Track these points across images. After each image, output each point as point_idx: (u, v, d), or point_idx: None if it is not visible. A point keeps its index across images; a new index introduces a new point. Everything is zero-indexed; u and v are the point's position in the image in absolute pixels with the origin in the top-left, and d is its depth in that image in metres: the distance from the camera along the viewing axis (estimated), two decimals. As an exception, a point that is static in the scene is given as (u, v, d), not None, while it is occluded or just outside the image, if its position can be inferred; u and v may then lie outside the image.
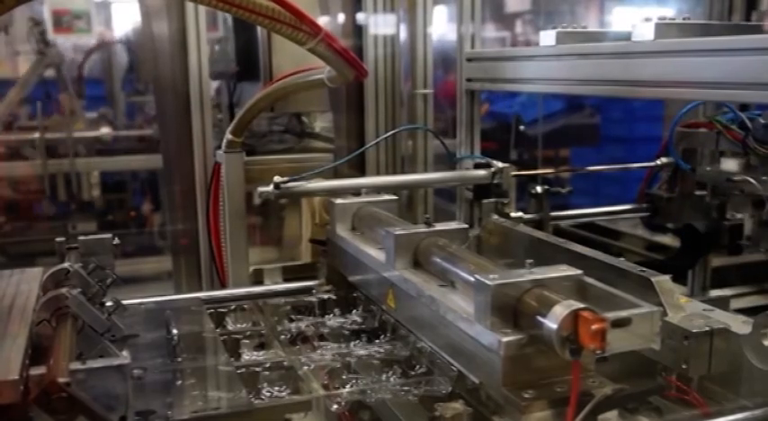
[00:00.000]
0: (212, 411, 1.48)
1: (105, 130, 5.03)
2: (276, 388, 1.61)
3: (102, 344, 1.53)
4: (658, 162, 2.75)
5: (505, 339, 1.29)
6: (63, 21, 5.11)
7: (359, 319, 1.97)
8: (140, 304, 2.02)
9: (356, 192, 2.28)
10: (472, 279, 1.42)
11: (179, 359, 1.70)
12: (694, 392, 1.50)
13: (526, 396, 1.29)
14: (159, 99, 3.34)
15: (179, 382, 1.62)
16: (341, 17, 3.53)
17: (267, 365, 1.71)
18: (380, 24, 3.41)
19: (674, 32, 1.91)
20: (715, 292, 3.04)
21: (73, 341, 1.42)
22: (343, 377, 1.65)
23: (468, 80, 2.78)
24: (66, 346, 1.36)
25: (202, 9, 3.08)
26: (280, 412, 1.54)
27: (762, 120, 2.34)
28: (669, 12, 2.11)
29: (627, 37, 2.05)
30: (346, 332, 1.92)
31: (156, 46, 3.21)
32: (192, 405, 1.50)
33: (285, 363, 1.72)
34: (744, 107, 2.52)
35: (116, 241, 1.90)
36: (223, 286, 2.85)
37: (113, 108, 5.59)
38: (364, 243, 2.00)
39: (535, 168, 3.31)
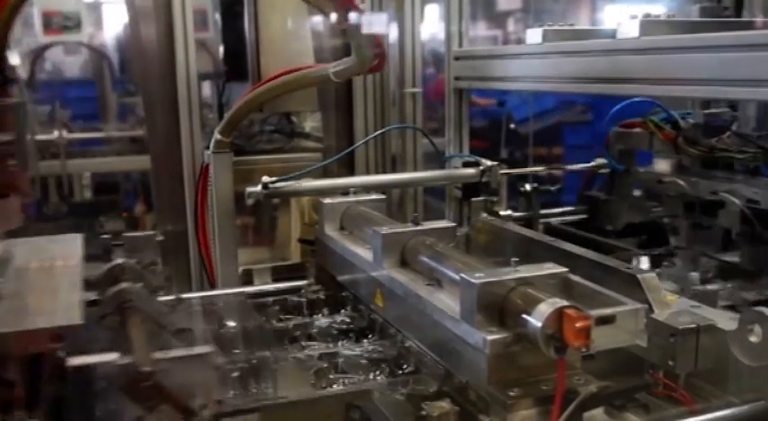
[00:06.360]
0: (280, 399, 1.51)
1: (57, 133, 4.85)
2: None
3: (164, 336, 1.56)
4: (593, 163, 2.75)
5: (491, 337, 1.29)
6: (53, 22, 5.10)
7: (347, 319, 1.97)
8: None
9: (345, 191, 2.27)
10: (458, 277, 1.41)
11: (237, 351, 1.72)
12: (681, 389, 1.50)
13: (512, 394, 1.29)
14: (147, 100, 3.33)
15: (236, 374, 1.64)
16: (330, 16, 3.53)
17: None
18: (370, 23, 3.40)
19: (660, 30, 1.92)
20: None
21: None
22: (331, 376, 1.65)
23: (457, 78, 2.78)
24: (142, 337, 1.40)
25: (190, 9, 3.07)
26: (342, 400, 1.57)
27: (692, 120, 2.33)
28: (659, 10, 2.11)
29: (612, 35, 2.05)
30: (334, 332, 1.92)
31: (145, 46, 3.20)
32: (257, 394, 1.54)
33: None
34: (705, 105, 2.50)
35: (160, 238, 1.92)
36: (212, 287, 2.84)
37: (104, 109, 5.58)
38: (352, 242, 2.00)
39: (526, 166, 3.31)
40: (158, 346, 1.43)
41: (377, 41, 2.11)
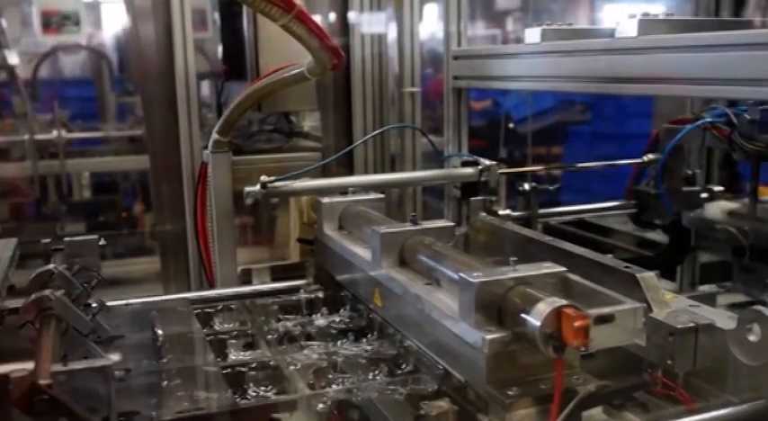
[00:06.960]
0: (197, 411, 1.47)
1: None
2: (262, 387, 1.61)
3: (87, 345, 1.53)
4: (645, 158, 2.75)
5: (489, 337, 1.29)
6: (52, 21, 5.09)
7: (346, 318, 1.97)
8: (127, 305, 2.01)
9: (344, 190, 2.27)
10: (456, 277, 1.41)
11: (164, 359, 1.69)
12: (680, 388, 1.50)
13: (511, 393, 1.29)
14: (146, 99, 3.33)
15: (164, 383, 1.61)
16: (328, 16, 3.53)
17: (253, 365, 1.71)
18: (369, 23, 3.41)
19: (658, 29, 1.92)
20: (703, 288, 3.04)
21: (56, 343, 1.41)
22: (330, 376, 1.65)
23: (456, 78, 2.78)
24: (48, 348, 1.36)
25: (188, 9, 3.07)
26: (265, 412, 1.54)
27: (747, 116, 2.34)
28: (658, 9, 2.11)
29: (611, 34, 2.05)
30: (333, 331, 1.92)
31: (144, 46, 3.20)
32: (177, 405, 1.49)
33: (271, 363, 1.71)
34: (732, 102, 2.52)
35: (102, 242, 1.89)
36: (211, 286, 2.84)
37: (103, 108, 5.57)
38: (351, 242, 2.00)
39: (525, 166, 3.31)
40: (81, 356, 1.39)
41: (325, 37, 2.11)
